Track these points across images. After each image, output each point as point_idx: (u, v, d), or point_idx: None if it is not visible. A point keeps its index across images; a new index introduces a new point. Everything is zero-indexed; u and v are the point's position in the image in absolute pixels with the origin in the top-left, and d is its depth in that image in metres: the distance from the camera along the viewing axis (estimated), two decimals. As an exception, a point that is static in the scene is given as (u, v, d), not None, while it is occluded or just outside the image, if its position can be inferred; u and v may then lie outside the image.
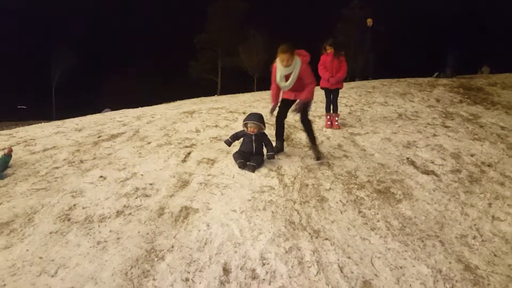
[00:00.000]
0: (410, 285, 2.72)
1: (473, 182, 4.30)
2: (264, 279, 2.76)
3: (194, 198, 3.96)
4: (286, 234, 3.32)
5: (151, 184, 4.24)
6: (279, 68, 4.66)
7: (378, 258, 3.02)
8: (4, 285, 2.68)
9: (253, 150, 4.78)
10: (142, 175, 4.46)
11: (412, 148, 5.28)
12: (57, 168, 4.67)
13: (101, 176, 4.41)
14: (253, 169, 4.54)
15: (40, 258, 2.97)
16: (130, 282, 2.72)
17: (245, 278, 2.77)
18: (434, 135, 5.77)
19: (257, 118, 4.83)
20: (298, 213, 3.69)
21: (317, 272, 2.84)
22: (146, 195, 3.99)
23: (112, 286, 2.68)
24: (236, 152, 4.82)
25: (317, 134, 5.94)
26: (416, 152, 5.13)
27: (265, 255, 3.02)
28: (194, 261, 2.96)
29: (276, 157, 4.89)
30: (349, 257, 3.02)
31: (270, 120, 5.41)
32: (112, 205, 3.78)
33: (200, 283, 2.72)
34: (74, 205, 3.77)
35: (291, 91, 4.88)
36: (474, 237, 3.31)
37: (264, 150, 4.91)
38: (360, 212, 3.72)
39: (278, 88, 4.94)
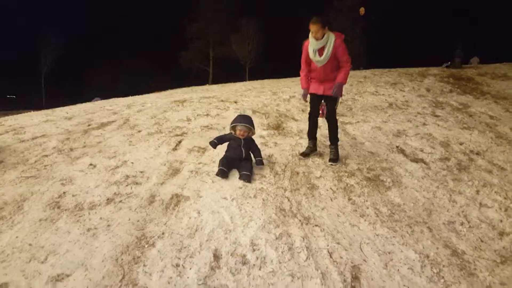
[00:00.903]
0: (398, 269, 2.76)
1: (462, 170, 4.35)
2: (254, 265, 2.78)
3: (185, 185, 3.96)
4: (276, 221, 3.34)
5: (141, 172, 4.24)
6: (311, 43, 4.37)
7: (367, 244, 3.05)
8: (-6, 271, 2.67)
9: (242, 156, 4.33)
10: (132, 163, 4.45)
11: (402, 137, 5.32)
12: (46, 156, 4.64)
13: (91, 164, 4.39)
14: (249, 179, 4.06)
15: (30, 245, 2.96)
16: (121, 268, 2.73)
17: (235, 264, 2.79)
18: (424, 124, 5.81)
19: (248, 120, 4.45)
20: (288, 200, 3.72)
21: (307, 258, 2.87)
22: (137, 183, 3.99)
23: (102, 272, 2.68)
24: (223, 158, 4.34)
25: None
26: (406, 141, 5.17)
27: (255, 241, 3.04)
28: (185, 248, 2.97)
29: (264, 163, 4.48)
30: (338, 243, 3.05)
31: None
32: (102, 193, 3.77)
33: (190, 268, 2.73)
34: (63, 193, 3.75)
35: (320, 82, 4.54)
36: (462, 224, 3.36)
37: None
38: (349, 199, 3.76)
39: (308, 72, 4.62)
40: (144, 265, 2.77)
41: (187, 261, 2.82)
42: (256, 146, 4.49)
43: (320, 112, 6.07)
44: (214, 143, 4.39)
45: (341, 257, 2.89)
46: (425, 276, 2.70)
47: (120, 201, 3.62)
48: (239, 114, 4.59)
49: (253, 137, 4.59)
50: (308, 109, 6.84)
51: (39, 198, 3.66)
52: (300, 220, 3.37)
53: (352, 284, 2.62)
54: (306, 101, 4.75)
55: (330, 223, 3.34)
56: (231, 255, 2.89)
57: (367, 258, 2.89)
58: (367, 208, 3.60)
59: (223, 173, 4.12)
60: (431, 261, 2.86)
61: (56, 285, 2.55)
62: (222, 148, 4.49)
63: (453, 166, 4.42)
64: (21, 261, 2.78)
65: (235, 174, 4.20)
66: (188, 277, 2.64)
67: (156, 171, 4.25)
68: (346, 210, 3.57)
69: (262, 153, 4.73)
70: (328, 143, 4.80)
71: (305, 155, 4.73)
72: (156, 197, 3.72)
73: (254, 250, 2.95)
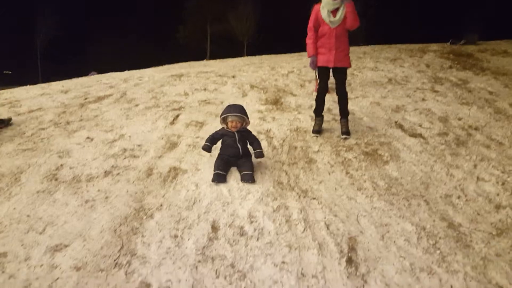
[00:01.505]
0: (395, 241, 2.78)
1: (460, 144, 4.34)
2: (252, 236, 2.79)
3: (182, 159, 3.96)
4: (274, 194, 3.35)
5: (139, 145, 4.23)
6: (326, 4, 4.29)
7: (364, 216, 3.07)
8: (-8, 241, 2.69)
9: (240, 152, 3.77)
10: (130, 136, 4.43)
11: (401, 112, 5.30)
12: (43, 129, 4.61)
13: (88, 137, 4.37)
14: (252, 179, 3.54)
15: (28, 216, 2.97)
16: (119, 238, 2.74)
17: (233, 235, 2.81)
18: (423, 99, 5.78)
19: (239, 109, 3.80)
20: (286, 174, 3.72)
21: (304, 229, 2.89)
22: (134, 156, 3.98)
23: (101, 242, 2.69)
24: (218, 159, 3.77)
25: (306, 98, 5.94)
26: (405, 116, 5.15)
27: (253, 214, 3.05)
28: (183, 219, 2.98)
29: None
30: (335, 215, 3.07)
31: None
32: (100, 165, 3.76)
33: (188, 239, 2.75)
34: (61, 165, 3.75)
35: (329, 51, 4.39)
36: (459, 197, 3.37)
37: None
38: (347, 173, 3.76)
39: (316, 37, 4.47)
40: (143, 236, 2.78)
41: (185, 232, 2.84)
42: (254, 137, 3.90)
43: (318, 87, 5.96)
44: (208, 147, 3.83)
45: (338, 229, 2.90)
46: (421, 247, 2.72)
47: (118, 174, 3.62)
48: (228, 104, 4.04)
49: (250, 115, 4.29)
50: (306, 84, 6.84)
51: (36, 170, 3.65)
52: (297, 193, 3.38)
53: (349, 254, 2.64)
54: (315, 69, 4.67)
55: (328, 196, 3.35)
56: (229, 226, 2.91)
57: (364, 230, 2.91)
58: (365, 181, 3.61)
59: (220, 177, 3.54)
60: (428, 233, 2.88)
61: (55, 255, 2.56)
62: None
63: (451, 141, 4.42)
64: (19, 232, 2.79)
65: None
66: (186, 247, 2.66)
67: (153, 145, 4.24)
68: (343, 183, 3.58)
69: (260, 128, 4.72)
70: (324, 116, 4.76)
71: (317, 132, 4.66)
72: (154, 170, 3.72)
73: (251, 222, 2.96)
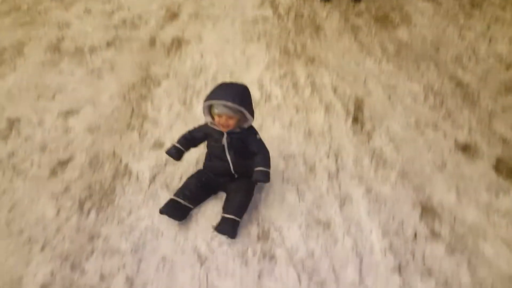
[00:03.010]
0: (401, 100, 2.81)
1: (474, 6, 4.11)
2: (260, 100, 2.82)
3: (185, 29, 3.83)
4: (281, 62, 3.31)
5: (139, 16, 4.04)
6: None
7: (371, 79, 3.06)
8: (3, 108, 2.74)
9: (230, 168, 2.06)
10: (128, 7, 4.22)
11: (415, -24, 4.94)
12: (39, 3, 4.38)
13: (86, 9, 4.17)
14: (231, 232, 1.89)
15: (36, 85, 2.98)
16: (129, 103, 2.79)
17: (241, 99, 2.83)
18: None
19: (234, 95, 1.80)
20: (293, 42, 3.62)
21: (311, 93, 2.91)
22: (135, 27, 3.84)
23: (111, 107, 2.75)
24: (193, 176, 2.14)
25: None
26: (419, -20, 4.81)
27: (260, 80, 3.05)
28: (190, 87, 2.99)
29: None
30: (342, 79, 3.05)
31: None
32: (101, 37, 3.66)
33: (198, 104, 2.79)
34: (62, 37, 3.65)
35: None
36: (469, 58, 3.31)
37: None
38: (356, 39, 3.65)
39: None
40: (152, 102, 2.82)
41: (194, 98, 2.87)
42: (260, 144, 2.00)
43: None
44: (175, 152, 2.06)
45: (345, 92, 2.92)
46: (427, 105, 2.76)
47: (121, 44, 3.54)
48: (220, 83, 1.97)
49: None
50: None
51: (38, 42, 3.57)
52: (304, 61, 3.33)
53: (355, 114, 2.69)
54: None
55: (335, 62, 3.30)
56: (236, 91, 2.92)
57: (370, 92, 2.92)
58: (374, 47, 3.51)
59: (173, 209, 1.97)
60: (435, 92, 2.89)
61: (67, 119, 2.64)
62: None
63: (466, 3, 4.18)
64: (29, 99, 2.84)
65: (234, 17, 4.01)
66: (196, 112, 2.70)
67: (154, 15, 4.05)
68: (352, 49, 3.50)
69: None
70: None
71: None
72: (157, 41, 3.62)
73: (259, 87, 2.97)
